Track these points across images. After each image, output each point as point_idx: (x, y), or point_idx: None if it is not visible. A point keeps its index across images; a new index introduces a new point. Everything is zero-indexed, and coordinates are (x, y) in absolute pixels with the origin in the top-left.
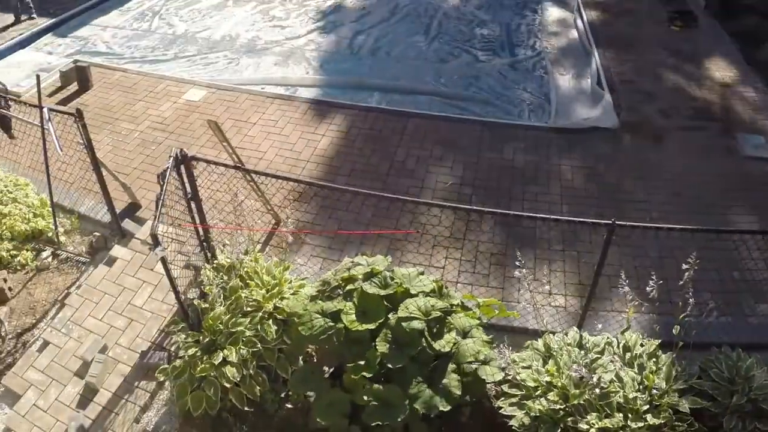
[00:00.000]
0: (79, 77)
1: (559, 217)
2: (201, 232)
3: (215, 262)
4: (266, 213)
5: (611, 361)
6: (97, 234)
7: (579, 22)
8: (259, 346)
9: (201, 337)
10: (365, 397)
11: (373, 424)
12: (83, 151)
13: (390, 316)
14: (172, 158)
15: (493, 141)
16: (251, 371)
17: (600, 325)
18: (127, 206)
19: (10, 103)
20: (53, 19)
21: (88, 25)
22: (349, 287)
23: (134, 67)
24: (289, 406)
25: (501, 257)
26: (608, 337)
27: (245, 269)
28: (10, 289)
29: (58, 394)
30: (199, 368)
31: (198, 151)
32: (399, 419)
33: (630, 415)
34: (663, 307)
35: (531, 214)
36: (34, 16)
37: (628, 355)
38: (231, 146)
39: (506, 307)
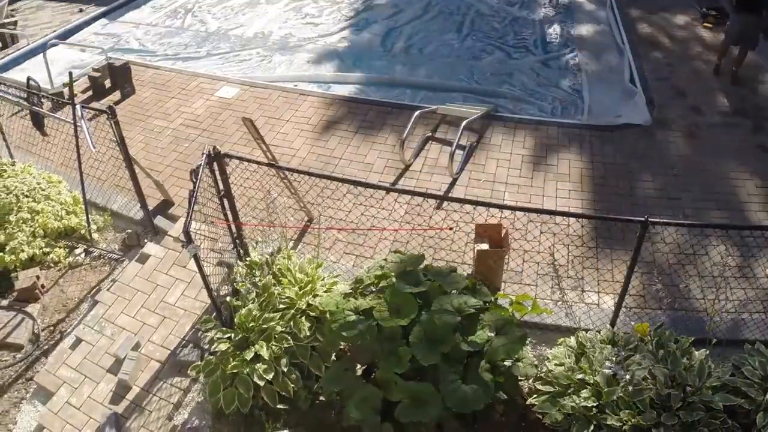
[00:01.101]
0: (112, 74)
1: (591, 214)
2: (234, 230)
3: (248, 259)
4: (299, 210)
5: (644, 358)
6: (129, 231)
7: (612, 19)
8: (291, 343)
9: (233, 335)
10: (398, 395)
11: (406, 422)
12: (116, 148)
13: (423, 313)
14: (204, 155)
15: (526, 138)
16: (284, 368)
17: (633, 322)
18: (160, 203)
19: (42, 100)
20: (86, 16)
21: (120, 22)
22: (381, 284)
23: (167, 64)
24: (322, 401)
25: (534, 254)
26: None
27: (278, 266)
28: (42, 286)
29: (91, 392)
30: (231, 365)
31: (231, 148)
32: (432, 417)
33: (663, 412)
34: (696, 304)
35: (563, 211)
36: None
37: (661, 351)
38: (265, 144)
39: (539, 304)
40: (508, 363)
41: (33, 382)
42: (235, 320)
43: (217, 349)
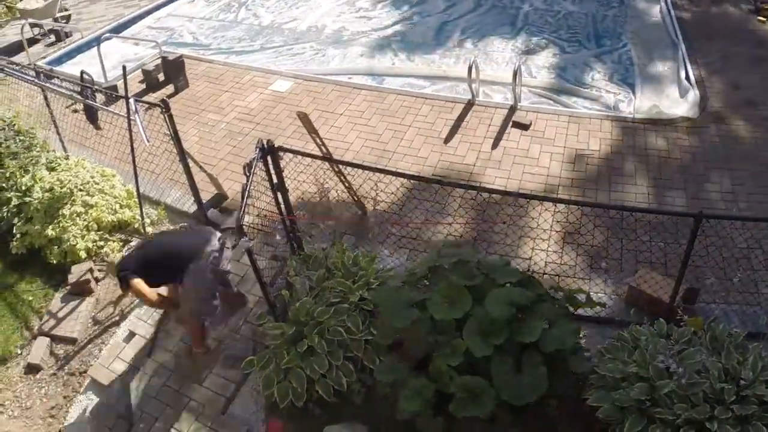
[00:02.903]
0: (166, 68)
1: (645, 208)
2: (287, 223)
3: (301, 253)
4: (353, 204)
5: (698, 352)
6: (183, 225)
7: (665, 13)
8: (345, 336)
9: (287, 328)
10: (452, 389)
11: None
12: (169, 142)
13: (476, 305)
14: (258, 149)
15: (579, 131)
16: (338, 362)
17: (686, 316)
18: (213, 197)
19: (96, 94)
20: (140, 10)
21: (174, 16)
22: (435, 277)
23: (220, 58)
24: (376, 395)
25: (588, 248)
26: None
27: (331, 260)
28: (96, 279)
29: (144, 385)
30: (285, 359)
31: (284, 142)
32: (486, 411)
33: (716, 406)
34: (751, 298)
35: (617, 205)
36: None
37: (714, 345)
38: (319, 137)
39: (593, 297)
40: (561, 356)
41: (87, 376)
42: (289, 314)
43: (270, 343)
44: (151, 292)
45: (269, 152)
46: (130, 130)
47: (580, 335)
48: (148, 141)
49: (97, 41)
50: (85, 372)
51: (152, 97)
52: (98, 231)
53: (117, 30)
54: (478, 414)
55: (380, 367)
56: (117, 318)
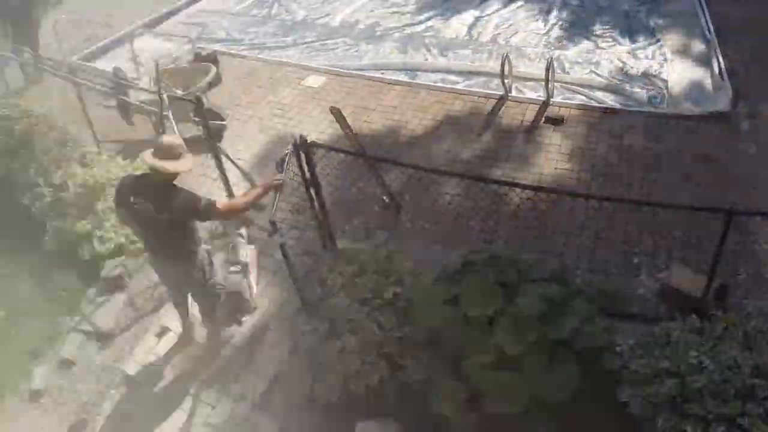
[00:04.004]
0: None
1: (677, 204)
2: (320, 219)
3: (334, 248)
4: (386, 199)
5: (730, 348)
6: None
7: (698, 8)
8: (378, 333)
9: (320, 325)
10: (485, 386)
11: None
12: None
13: (509, 302)
14: (291, 144)
15: (611, 127)
16: (371, 359)
17: (719, 312)
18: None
19: (129, 90)
20: (173, 6)
21: (207, 12)
22: (468, 273)
23: (253, 54)
24: (409, 391)
25: (619, 244)
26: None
27: (365, 256)
28: (129, 276)
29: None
30: (319, 356)
31: (317, 137)
32: (519, 408)
33: (748, 402)
34: None
35: (649, 201)
36: None
37: (747, 341)
38: (353, 133)
39: (625, 293)
40: (593, 352)
41: (119, 371)
42: (322, 310)
43: (304, 340)
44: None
45: (302, 148)
46: (163, 126)
47: (613, 331)
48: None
49: (130, 37)
50: (117, 367)
51: (185, 93)
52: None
53: (150, 26)
54: (511, 411)
55: (413, 364)
56: (150, 313)
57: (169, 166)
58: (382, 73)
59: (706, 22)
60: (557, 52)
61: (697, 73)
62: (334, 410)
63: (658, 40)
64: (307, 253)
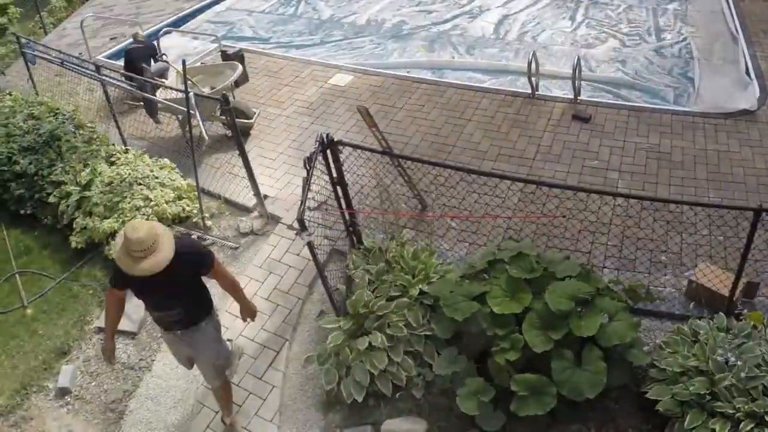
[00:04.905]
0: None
1: (704, 202)
2: (347, 217)
3: (361, 246)
4: (412, 198)
5: (758, 345)
6: (243, 219)
7: (725, 6)
8: (405, 331)
9: (346, 322)
10: (513, 387)
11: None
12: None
13: (536, 299)
14: (318, 143)
15: (639, 125)
16: (398, 357)
17: (746, 310)
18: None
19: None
20: (199, 4)
21: (233, 10)
22: (494, 271)
23: (280, 52)
24: (436, 389)
25: (647, 242)
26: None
27: (391, 254)
28: None
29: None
30: (345, 354)
31: (344, 135)
32: (548, 408)
33: None
34: None
35: (676, 199)
36: None
37: None
38: (379, 131)
39: (652, 291)
40: (621, 350)
41: (145, 370)
42: (349, 308)
43: (330, 338)
44: None
45: (329, 146)
46: (190, 125)
47: (640, 329)
48: (208, 137)
49: (156, 35)
50: (143, 366)
51: (212, 91)
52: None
53: (176, 24)
54: (538, 412)
55: (440, 362)
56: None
57: (149, 264)
58: (408, 72)
59: (733, 20)
60: (584, 50)
61: (724, 71)
62: (359, 408)
63: (685, 38)
64: (334, 251)
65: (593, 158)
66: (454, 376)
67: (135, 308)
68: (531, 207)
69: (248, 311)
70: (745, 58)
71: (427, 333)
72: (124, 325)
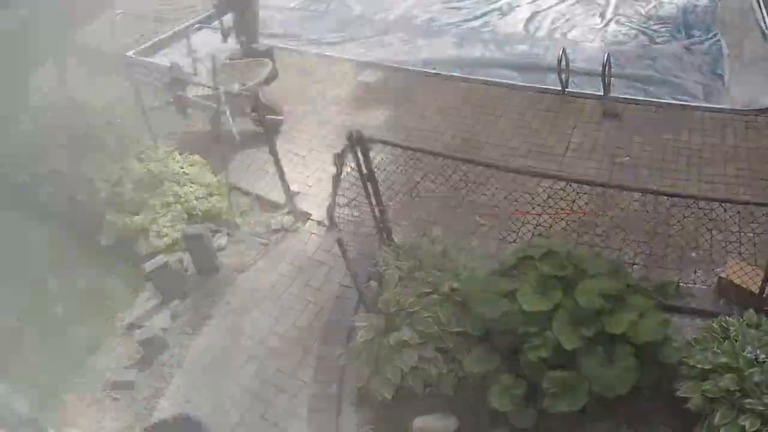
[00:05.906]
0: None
1: (734, 199)
2: (377, 214)
3: (391, 243)
4: (442, 194)
5: None
6: (273, 215)
7: (755, 4)
8: (435, 327)
9: (377, 319)
10: (545, 384)
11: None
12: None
13: (566, 296)
14: (348, 139)
15: (668, 122)
16: (429, 353)
17: None
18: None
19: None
20: None
21: (264, 7)
22: (525, 268)
23: (310, 49)
24: (467, 386)
25: (677, 239)
26: None
27: (422, 250)
28: (186, 270)
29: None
30: (376, 350)
31: (374, 132)
32: (580, 405)
33: None
34: None
35: (706, 196)
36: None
37: None
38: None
39: (682, 288)
40: (651, 347)
41: (175, 368)
42: (379, 304)
43: (361, 335)
44: None
45: (359, 143)
46: (219, 121)
47: (670, 326)
48: (238, 136)
49: (186, 32)
50: (173, 364)
51: (242, 88)
52: (188, 221)
53: (207, 21)
54: (572, 409)
55: (470, 359)
56: (206, 309)
57: None
58: (436, 69)
59: (763, 16)
60: (614, 47)
61: (754, 68)
62: (390, 405)
63: (715, 35)
64: (364, 248)
65: (623, 155)
66: (486, 373)
67: (166, 306)
68: (561, 204)
69: None
70: None
71: (458, 330)
72: (153, 322)
